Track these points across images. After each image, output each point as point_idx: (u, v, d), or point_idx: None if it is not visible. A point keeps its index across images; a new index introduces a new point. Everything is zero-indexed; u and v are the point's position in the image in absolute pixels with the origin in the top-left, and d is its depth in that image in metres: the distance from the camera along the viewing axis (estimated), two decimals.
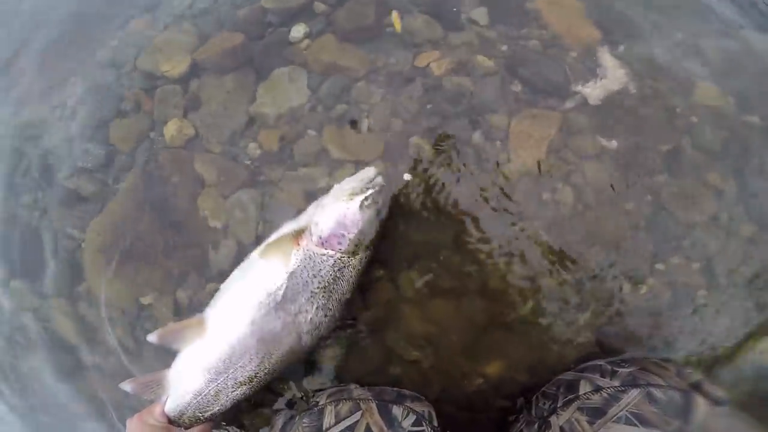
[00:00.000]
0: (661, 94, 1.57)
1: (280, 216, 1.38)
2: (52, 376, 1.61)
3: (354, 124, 1.55)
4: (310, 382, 1.39)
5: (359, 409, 1.13)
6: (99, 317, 1.54)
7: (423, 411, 1.19)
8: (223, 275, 1.32)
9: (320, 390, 1.34)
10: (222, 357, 1.19)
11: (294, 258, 1.20)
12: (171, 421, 1.21)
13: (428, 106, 1.55)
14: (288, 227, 1.29)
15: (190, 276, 1.50)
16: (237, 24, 1.76)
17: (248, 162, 1.57)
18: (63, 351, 1.60)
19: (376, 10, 1.70)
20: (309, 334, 1.23)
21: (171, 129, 1.62)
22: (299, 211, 1.33)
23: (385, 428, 1.09)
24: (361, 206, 1.22)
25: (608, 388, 1.12)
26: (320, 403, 1.19)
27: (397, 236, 1.42)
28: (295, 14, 1.74)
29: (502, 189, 1.45)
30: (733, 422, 1.13)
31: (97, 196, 1.63)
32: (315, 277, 1.20)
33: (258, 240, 1.42)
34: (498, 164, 1.47)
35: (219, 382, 1.19)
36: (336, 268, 1.22)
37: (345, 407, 1.14)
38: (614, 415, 1.04)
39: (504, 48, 1.64)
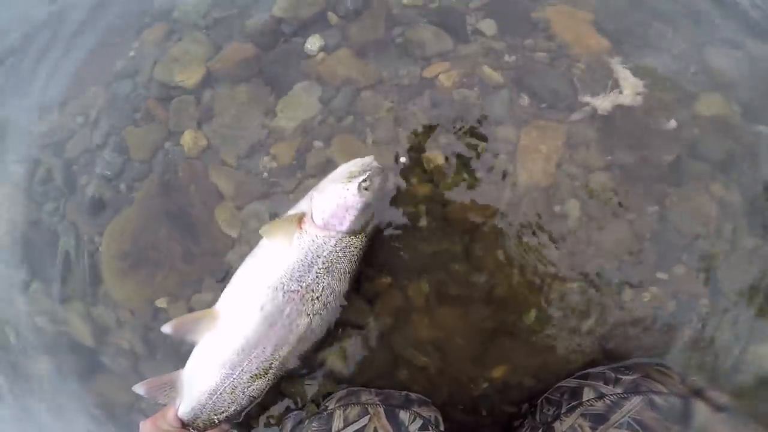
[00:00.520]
0: (667, 104, 1.57)
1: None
2: (66, 378, 1.63)
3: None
4: (319, 387, 1.41)
5: (367, 413, 1.15)
6: (115, 321, 1.57)
7: (430, 416, 1.21)
8: None
9: (330, 394, 1.36)
10: (235, 347, 1.20)
11: (297, 240, 1.23)
12: (185, 425, 1.21)
13: (436, 118, 1.57)
14: (290, 213, 1.32)
15: (205, 282, 1.53)
16: (250, 34, 1.78)
17: (265, 175, 1.59)
18: (78, 353, 1.63)
19: (385, 25, 1.74)
20: (318, 315, 1.26)
21: (188, 139, 1.65)
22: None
23: None
24: (359, 187, 1.25)
25: (611, 395, 1.13)
26: (329, 407, 1.21)
27: (407, 247, 1.44)
28: (308, 24, 1.76)
29: (509, 200, 1.46)
30: (735, 428, 1.15)
31: (116, 203, 1.66)
32: (319, 257, 1.23)
33: None
34: (505, 175, 1.49)
35: (234, 376, 1.20)
36: (338, 248, 1.25)
37: (353, 411, 1.16)
38: (616, 422, 1.06)
39: (512, 59, 1.65)
